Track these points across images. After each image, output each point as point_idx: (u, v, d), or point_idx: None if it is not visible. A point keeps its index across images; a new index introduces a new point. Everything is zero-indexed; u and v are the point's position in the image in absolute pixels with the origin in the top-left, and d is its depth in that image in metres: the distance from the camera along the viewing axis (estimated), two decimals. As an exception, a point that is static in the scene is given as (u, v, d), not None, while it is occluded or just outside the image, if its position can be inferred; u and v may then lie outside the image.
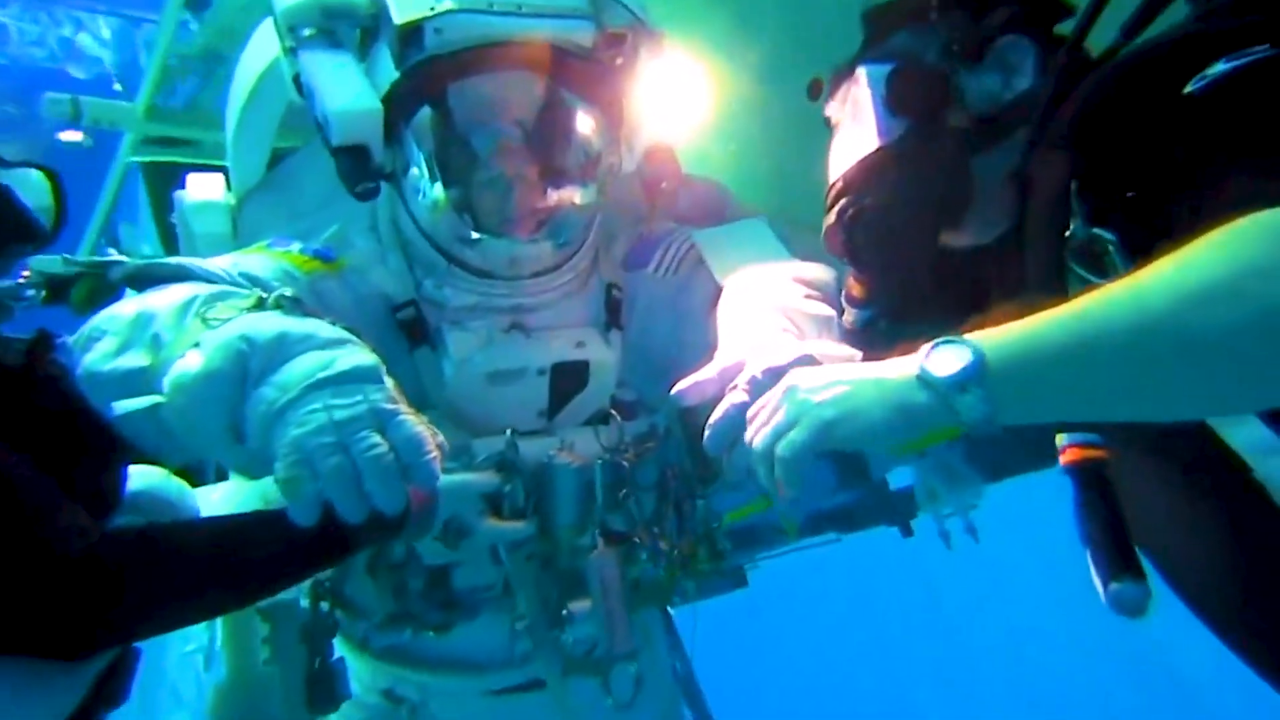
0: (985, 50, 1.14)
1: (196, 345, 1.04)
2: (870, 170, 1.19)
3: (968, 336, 0.88)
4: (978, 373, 0.85)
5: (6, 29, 6.84)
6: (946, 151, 1.15)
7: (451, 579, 1.57)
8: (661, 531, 1.54)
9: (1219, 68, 0.85)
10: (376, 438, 0.96)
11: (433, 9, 1.36)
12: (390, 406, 1.00)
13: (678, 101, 1.60)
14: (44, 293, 1.30)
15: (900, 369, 0.92)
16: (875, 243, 1.16)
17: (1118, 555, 0.93)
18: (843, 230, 1.18)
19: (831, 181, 1.26)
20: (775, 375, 1.16)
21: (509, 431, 1.50)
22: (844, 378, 0.97)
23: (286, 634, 2.15)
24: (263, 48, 1.73)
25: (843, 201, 1.22)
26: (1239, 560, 0.97)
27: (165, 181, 2.12)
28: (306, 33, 1.41)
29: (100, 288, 1.35)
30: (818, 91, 1.85)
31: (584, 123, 1.52)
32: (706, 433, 1.19)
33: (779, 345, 1.28)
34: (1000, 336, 0.87)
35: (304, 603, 1.65)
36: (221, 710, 2.06)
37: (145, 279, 1.30)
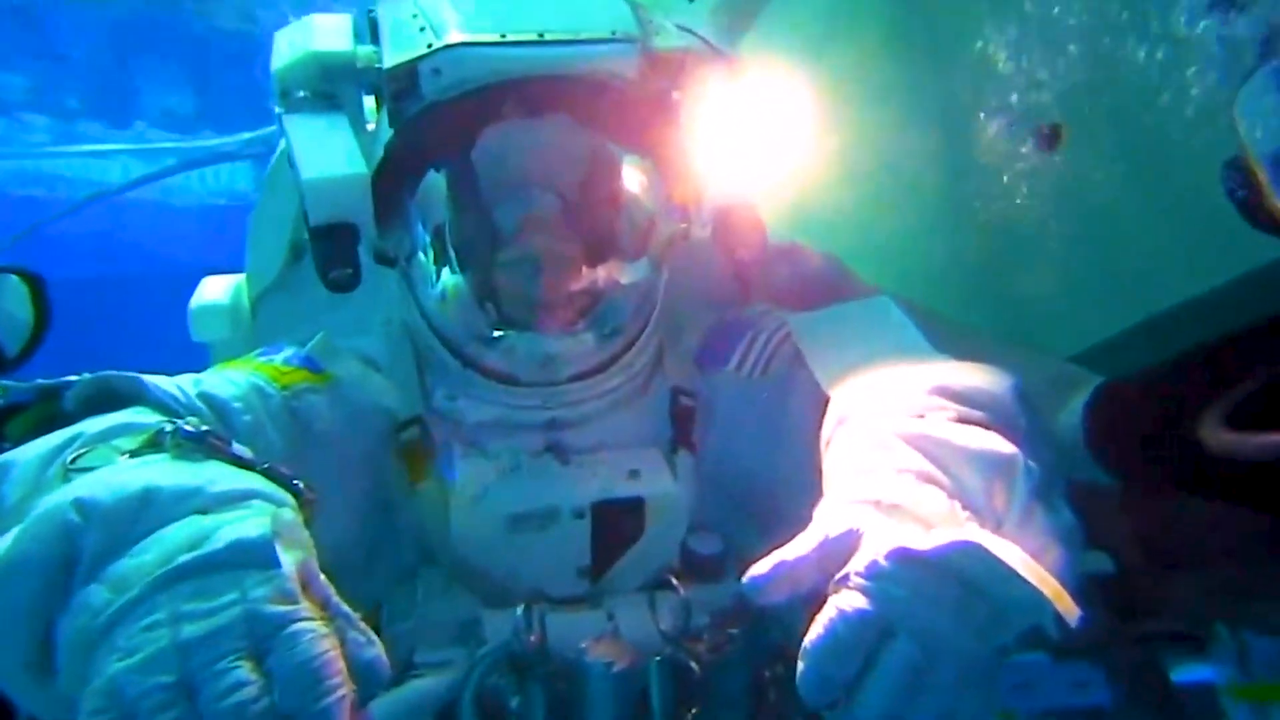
0: None
1: None
2: None
3: None
4: None
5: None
6: None
7: None
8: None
9: None
10: (244, 670, 0.62)
11: (430, 45, 1.10)
12: (278, 608, 0.64)
13: (768, 144, 1.18)
14: None
15: None
16: None
17: None
18: None
19: None
20: (916, 566, 0.71)
21: (520, 608, 1.08)
22: None
23: None
24: None
25: None
26: None
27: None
28: (300, 95, 1.22)
29: (49, 417, 1.05)
30: (1055, 141, 1.46)
31: (631, 178, 1.18)
32: (800, 665, 0.73)
33: (920, 505, 0.82)
34: None
35: None
36: None
37: (103, 401, 1.02)
